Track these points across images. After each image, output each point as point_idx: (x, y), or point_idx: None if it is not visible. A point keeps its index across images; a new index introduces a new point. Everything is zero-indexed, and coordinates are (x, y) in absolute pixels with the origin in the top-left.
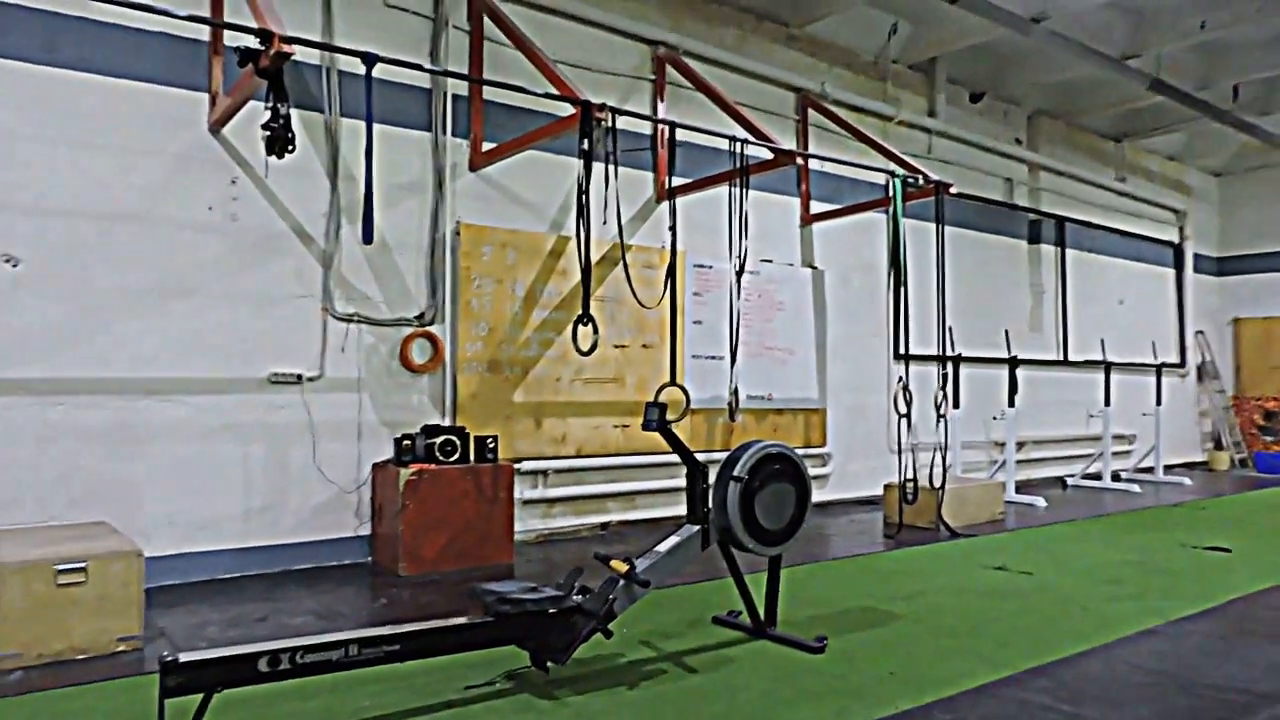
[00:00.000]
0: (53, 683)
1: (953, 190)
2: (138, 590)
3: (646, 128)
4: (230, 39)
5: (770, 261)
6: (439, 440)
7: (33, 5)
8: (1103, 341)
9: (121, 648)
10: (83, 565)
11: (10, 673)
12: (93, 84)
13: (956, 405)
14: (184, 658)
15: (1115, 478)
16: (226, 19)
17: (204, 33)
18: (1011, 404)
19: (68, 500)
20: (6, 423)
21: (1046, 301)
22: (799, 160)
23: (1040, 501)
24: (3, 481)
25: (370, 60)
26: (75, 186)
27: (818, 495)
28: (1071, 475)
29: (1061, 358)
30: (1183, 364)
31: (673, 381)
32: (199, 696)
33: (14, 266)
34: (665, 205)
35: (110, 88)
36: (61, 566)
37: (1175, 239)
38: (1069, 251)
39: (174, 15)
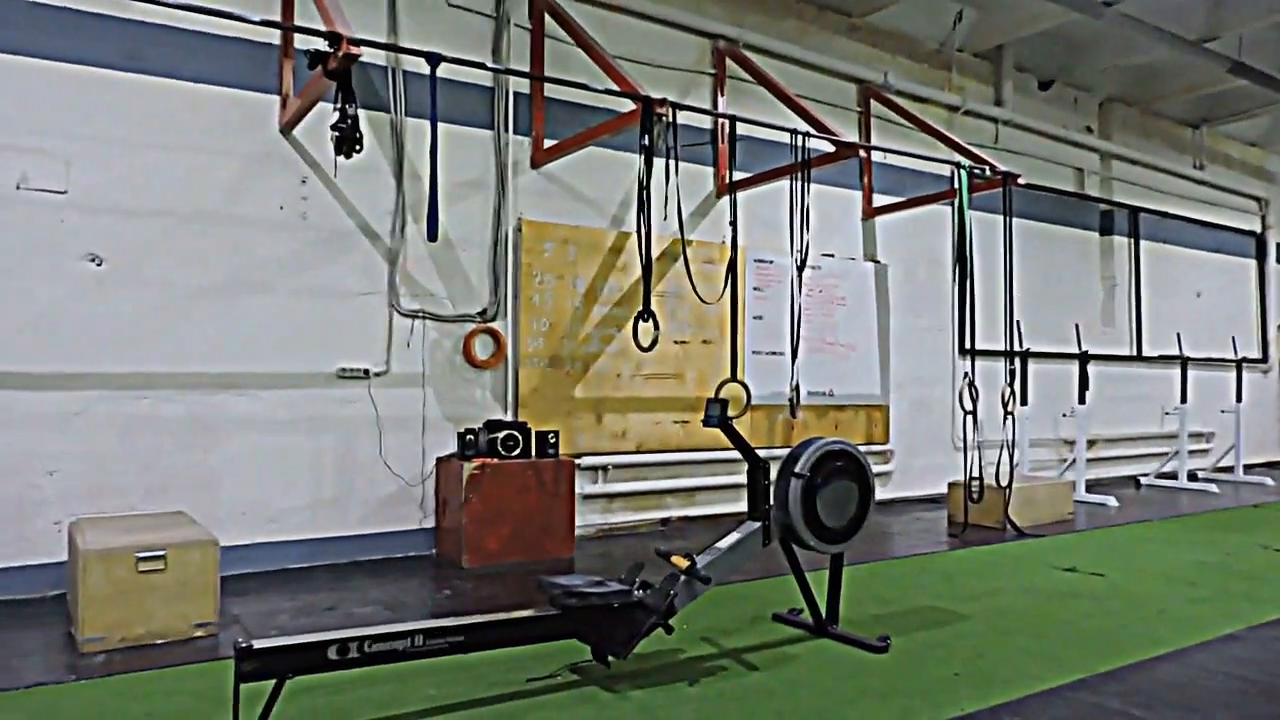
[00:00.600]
0: (135, 665)
1: (1020, 181)
2: (214, 578)
3: (707, 122)
4: (300, 42)
5: (832, 256)
6: (501, 435)
7: (118, 15)
8: (1179, 336)
9: (198, 633)
10: (162, 553)
11: (96, 655)
12: (171, 89)
13: (1024, 402)
14: (258, 644)
15: (1192, 477)
16: (296, 23)
17: (275, 37)
18: (1082, 400)
19: (148, 490)
20: (92, 415)
21: (1119, 295)
22: (861, 153)
23: (1112, 501)
24: (89, 471)
25: (434, 60)
26: (155, 188)
27: (880, 493)
28: (1145, 475)
29: (1135, 353)
30: (1265, 359)
31: (733, 377)
32: (272, 682)
33: (99, 265)
34: (726, 200)
35: (187, 92)
36: (142, 554)
37: (1257, 228)
38: (1143, 243)
39: (248, 20)
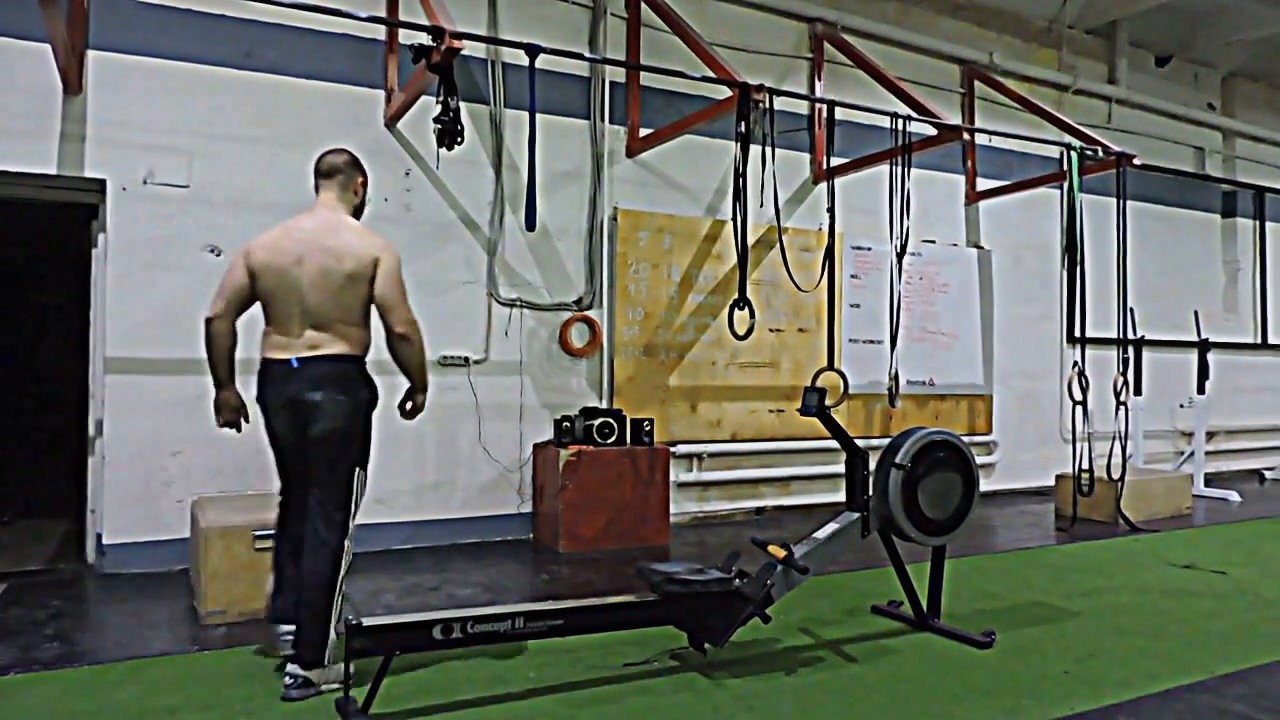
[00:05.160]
0: (252, 639)
1: (1136, 162)
2: None
3: (804, 107)
4: (404, 37)
5: (933, 242)
6: (597, 422)
7: (234, 15)
8: None
9: None
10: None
11: (216, 627)
12: (284, 85)
13: (1138, 392)
14: (367, 622)
15: None
16: (401, 18)
17: (380, 32)
18: (1201, 390)
19: (263, 471)
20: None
21: (1243, 280)
22: (965, 135)
23: (1234, 496)
24: (210, 453)
25: (533, 51)
26: (270, 181)
27: (983, 485)
28: (1271, 468)
29: (1260, 341)
30: None
31: (831, 366)
32: (380, 658)
33: (217, 256)
34: (823, 186)
35: (299, 88)
36: (258, 532)
37: None
38: (1269, 225)
39: (355, 17)
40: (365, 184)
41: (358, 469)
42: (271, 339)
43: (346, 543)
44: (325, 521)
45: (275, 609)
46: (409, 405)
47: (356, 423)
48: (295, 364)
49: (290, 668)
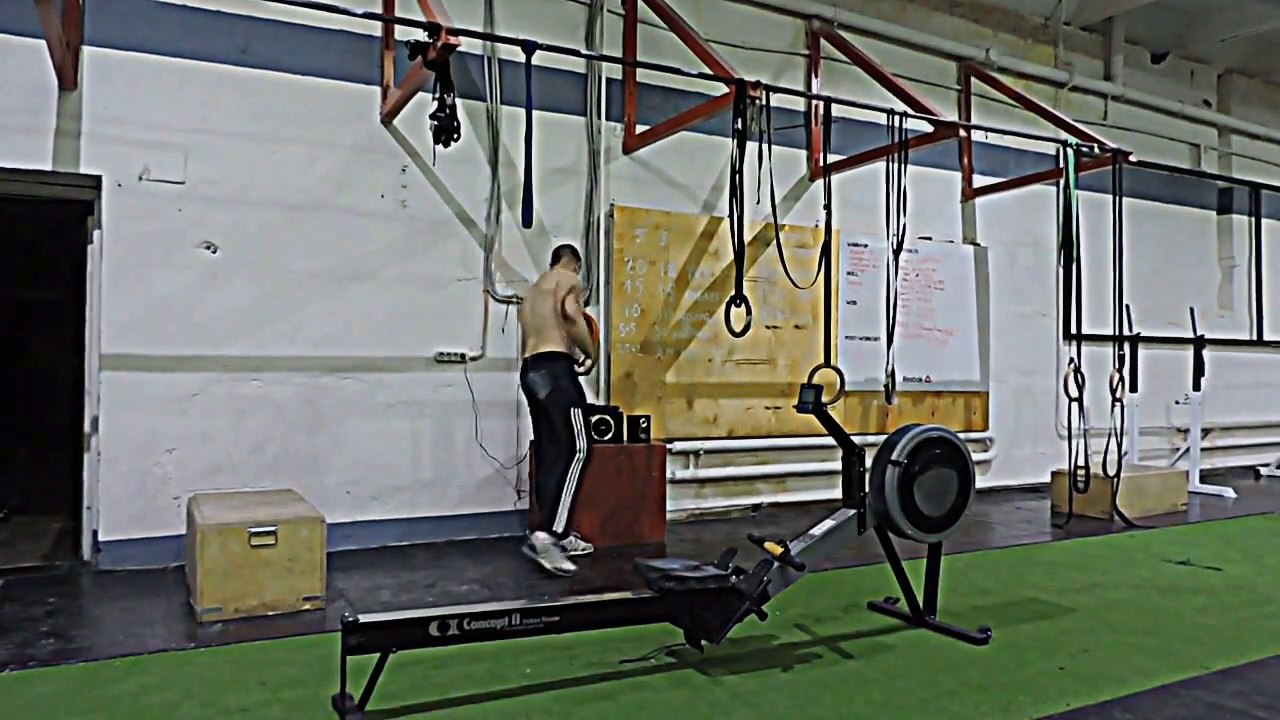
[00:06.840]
0: (248, 636)
1: (1132, 159)
2: (321, 554)
3: (801, 104)
4: (401, 33)
5: (929, 239)
6: (593, 419)
7: (230, 10)
8: None
9: (306, 606)
10: (273, 529)
11: (213, 624)
12: (280, 82)
13: (1134, 388)
14: (364, 619)
15: None
16: (397, 14)
17: (377, 29)
18: (1197, 387)
19: (259, 468)
20: (210, 397)
21: (1238, 276)
22: (961, 132)
23: (1229, 492)
24: (206, 450)
25: (530, 48)
26: (266, 178)
27: (979, 481)
28: (1266, 465)
29: (1255, 337)
30: None
31: (827, 363)
32: (376, 655)
33: (214, 253)
34: (819, 183)
35: (295, 85)
36: (255, 529)
37: None
38: (1265, 221)
39: (352, 13)
40: (579, 260)
41: (573, 410)
42: (524, 344)
43: (577, 454)
44: (563, 447)
45: (532, 522)
46: (582, 368)
47: (562, 386)
48: (530, 359)
49: (532, 538)
